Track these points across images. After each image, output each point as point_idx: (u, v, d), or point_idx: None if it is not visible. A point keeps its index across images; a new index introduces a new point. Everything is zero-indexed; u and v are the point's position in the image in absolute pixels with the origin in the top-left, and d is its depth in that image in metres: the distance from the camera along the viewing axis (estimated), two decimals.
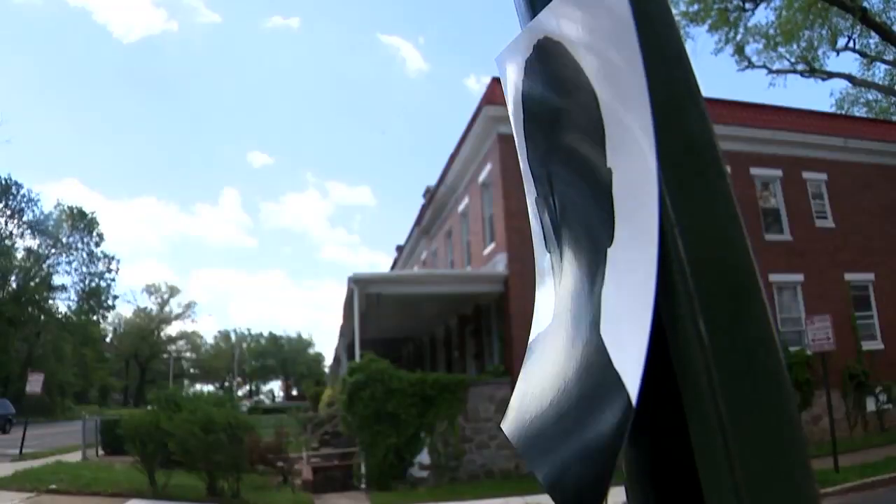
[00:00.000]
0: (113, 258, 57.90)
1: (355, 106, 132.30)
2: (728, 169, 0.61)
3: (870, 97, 22.46)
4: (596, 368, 0.60)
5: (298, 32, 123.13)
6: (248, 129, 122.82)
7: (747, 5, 17.20)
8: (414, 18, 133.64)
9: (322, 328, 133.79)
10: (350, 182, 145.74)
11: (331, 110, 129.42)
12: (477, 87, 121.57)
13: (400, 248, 38.40)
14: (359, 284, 17.53)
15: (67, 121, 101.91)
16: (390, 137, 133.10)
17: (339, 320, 24.56)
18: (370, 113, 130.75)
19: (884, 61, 19.14)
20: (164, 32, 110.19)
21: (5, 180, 49.79)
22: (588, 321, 0.63)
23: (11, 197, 50.40)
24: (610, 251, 0.61)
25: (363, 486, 15.52)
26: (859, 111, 22.94)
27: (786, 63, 19.21)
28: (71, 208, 54.91)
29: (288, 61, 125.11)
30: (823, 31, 18.77)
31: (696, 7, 17.20)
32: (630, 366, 0.54)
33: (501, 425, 0.75)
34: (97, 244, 56.53)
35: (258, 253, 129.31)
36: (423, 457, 15.50)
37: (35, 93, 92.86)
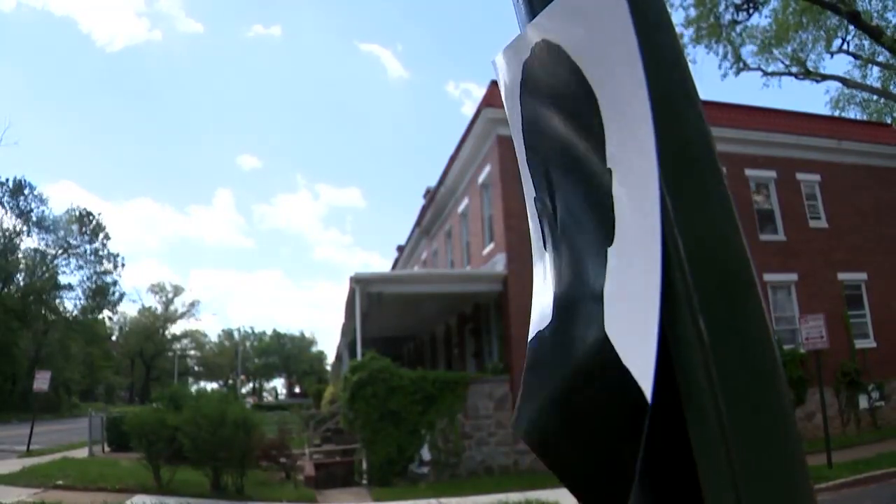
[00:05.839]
0: (117, 255, 58.35)
1: (340, 111, 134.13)
2: (724, 170, 0.64)
3: (865, 97, 22.58)
4: (605, 368, 0.60)
5: (280, 41, 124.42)
6: (236, 134, 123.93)
7: (740, 16, 17.38)
8: (391, 27, 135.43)
9: (321, 327, 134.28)
10: (339, 184, 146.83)
11: (316, 115, 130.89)
12: (456, 92, 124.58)
13: (401, 248, 38.48)
14: (360, 284, 17.70)
15: (60, 126, 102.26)
16: (377, 141, 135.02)
17: (338, 319, 24.79)
18: (356, 118, 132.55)
19: (877, 63, 19.25)
20: (147, 42, 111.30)
21: (17, 181, 50.36)
22: (590, 320, 0.64)
23: (22, 197, 50.91)
24: (610, 251, 0.62)
25: (365, 481, 15.62)
26: (854, 111, 23.11)
27: (780, 65, 19.36)
28: (78, 209, 55.43)
29: (271, 68, 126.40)
30: (819, 33, 18.89)
31: (691, 30, 17.35)
32: (642, 363, 0.55)
33: (511, 426, 0.85)
34: (103, 244, 56.95)
35: (256, 253, 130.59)
36: (424, 453, 15.62)
37: (27, 98, 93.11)
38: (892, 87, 20.72)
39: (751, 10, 17.37)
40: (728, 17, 17.51)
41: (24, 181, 50.89)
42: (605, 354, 0.60)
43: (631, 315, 0.58)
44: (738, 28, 17.94)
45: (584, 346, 0.65)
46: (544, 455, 0.69)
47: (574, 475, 0.64)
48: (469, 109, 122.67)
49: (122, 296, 60.29)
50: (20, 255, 51.94)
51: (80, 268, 56.07)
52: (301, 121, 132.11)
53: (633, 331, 0.57)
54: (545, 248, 0.79)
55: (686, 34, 17.55)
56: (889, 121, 22.58)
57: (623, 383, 0.56)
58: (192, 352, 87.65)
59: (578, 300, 0.68)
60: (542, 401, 0.71)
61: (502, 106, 0.84)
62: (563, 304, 0.72)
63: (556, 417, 0.68)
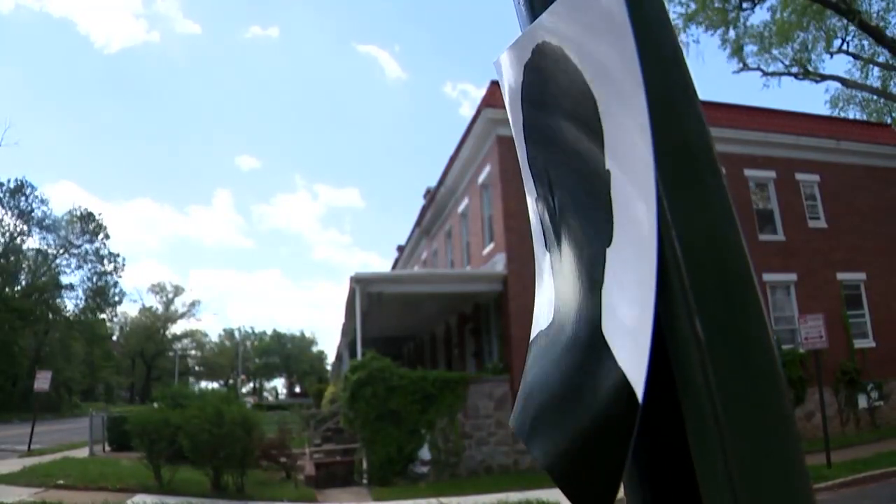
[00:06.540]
0: (118, 256, 58.44)
1: (339, 112, 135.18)
2: (723, 170, 0.63)
3: (865, 97, 22.54)
4: (599, 367, 0.60)
5: (278, 42, 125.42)
6: (235, 134, 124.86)
7: (745, 4, 17.30)
8: (389, 29, 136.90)
9: (321, 327, 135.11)
10: (338, 184, 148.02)
11: (315, 116, 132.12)
12: (454, 93, 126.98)
13: (401, 248, 38.53)
14: (360, 284, 17.73)
15: (60, 126, 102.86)
16: (375, 142, 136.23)
17: (337, 319, 24.82)
18: (354, 118, 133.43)
19: (877, 63, 19.22)
20: (146, 43, 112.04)
21: (18, 181, 50.50)
22: (588, 320, 0.64)
23: (23, 198, 51.03)
24: (609, 251, 0.62)
25: (365, 481, 15.65)
26: (854, 111, 23.06)
27: (780, 65, 19.32)
28: (79, 209, 55.58)
29: (269, 69, 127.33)
30: (819, 33, 18.86)
31: (694, 6, 17.29)
32: (634, 364, 0.55)
33: (510, 423, 0.77)
34: (104, 244, 57.05)
35: (255, 253, 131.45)
36: (424, 453, 15.65)
37: (27, 99, 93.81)
38: (892, 88, 20.68)
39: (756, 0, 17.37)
40: (732, 6, 17.48)
41: (25, 182, 51.11)
42: (604, 355, 0.61)
43: (626, 314, 0.58)
44: (745, 15, 17.91)
45: (583, 345, 0.65)
46: (552, 469, 0.68)
47: (566, 474, 0.63)
48: (467, 110, 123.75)
49: (122, 296, 60.43)
50: (21, 256, 52.05)
51: (80, 267, 56.25)
52: (299, 121, 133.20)
53: (628, 330, 0.57)
54: (546, 248, 0.79)
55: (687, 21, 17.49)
56: (889, 121, 22.54)
57: (619, 385, 0.57)
58: (193, 352, 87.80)
59: (579, 300, 0.68)
60: (540, 401, 0.71)
61: (502, 106, 0.85)
62: (564, 304, 0.72)
63: (553, 419, 0.68)
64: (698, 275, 0.58)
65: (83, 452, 20.16)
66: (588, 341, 0.64)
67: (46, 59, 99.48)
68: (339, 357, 32.88)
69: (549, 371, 0.71)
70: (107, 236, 57.14)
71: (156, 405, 17.21)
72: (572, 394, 0.65)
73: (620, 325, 0.59)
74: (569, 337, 0.69)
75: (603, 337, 0.61)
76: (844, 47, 18.96)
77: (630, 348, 0.57)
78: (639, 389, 0.54)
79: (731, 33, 18.29)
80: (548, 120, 0.74)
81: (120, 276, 59.74)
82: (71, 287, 55.67)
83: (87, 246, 56.08)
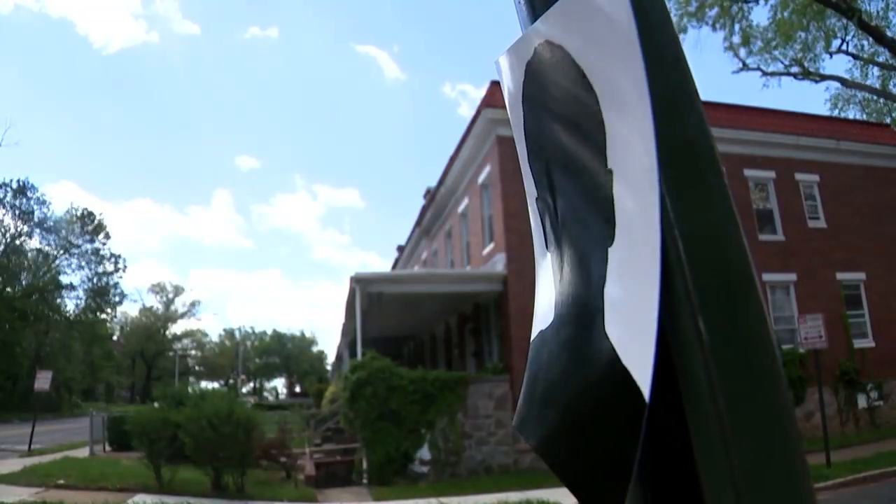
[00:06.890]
0: (119, 256, 58.47)
1: (338, 112, 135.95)
2: (724, 170, 0.64)
3: (865, 96, 22.53)
4: (603, 366, 0.60)
5: (277, 42, 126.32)
6: (235, 134, 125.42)
7: None
8: (387, 29, 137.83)
9: (321, 327, 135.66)
10: (338, 184, 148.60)
11: (314, 116, 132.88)
12: (453, 94, 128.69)
13: (401, 248, 38.54)
14: (361, 284, 17.74)
15: (59, 127, 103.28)
16: (374, 142, 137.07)
17: (337, 319, 24.81)
18: (354, 119, 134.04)
19: (877, 63, 19.23)
20: (145, 43, 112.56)
21: (21, 183, 50.50)
22: (591, 319, 0.64)
23: (25, 199, 51.07)
24: (611, 250, 0.62)
25: (365, 481, 15.65)
26: (854, 111, 23.07)
27: (780, 66, 19.31)
28: (80, 209, 55.63)
29: (269, 70, 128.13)
30: (819, 33, 18.83)
31: (694, 6, 17.27)
32: (640, 362, 0.55)
33: (514, 425, 0.76)
34: (103, 244, 57.06)
35: (255, 253, 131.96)
36: (424, 453, 15.64)
37: (27, 99, 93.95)
38: (891, 88, 20.67)
39: None
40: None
41: (28, 183, 51.12)
42: (607, 354, 0.60)
43: (630, 314, 0.58)
44: (748, 7, 17.88)
45: (586, 344, 0.65)
46: (545, 454, 0.69)
47: (574, 474, 0.64)
48: (465, 110, 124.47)
49: (122, 296, 60.41)
50: (22, 256, 52.07)
51: (81, 267, 56.29)
52: (299, 122, 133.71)
53: (633, 330, 0.57)
54: (547, 248, 0.79)
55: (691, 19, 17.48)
56: (889, 121, 22.58)
57: (624, 384, 0.56)
58: (193, 351, 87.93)
59: (580, 299, 0.68)
60: (544, 401, 0.71)
61: (502, 106, 0.87)
62: (565, 303, 0.72)
63: (559, 418, 0.68)
64: (701, 274, 0.58)
65: (83, 452, 20.15)
66: (590, 341, 0.63)
67: (46, 60, 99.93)
68: (339, 357, 32.90)
69: (551, 371, 0.71)
70: (107, 236, 57.21)
71: (156, 405, 17.20)
72: (574, 393, 0.65)
73: (624, 325, 0.59)
74: (570, 337, 0.69)
75: (606, 337, 0.61)
76: (844, 47, 18.95)
77: (634, 348, 0.57)
78: (645, 389, 0.54)
79: (737, 27, 18.29)
80: (549, 119, 0.74)
81: (121, 277, 59.80)
82: (71, 287, 55.69)
83: (88, 246, 56.17)
